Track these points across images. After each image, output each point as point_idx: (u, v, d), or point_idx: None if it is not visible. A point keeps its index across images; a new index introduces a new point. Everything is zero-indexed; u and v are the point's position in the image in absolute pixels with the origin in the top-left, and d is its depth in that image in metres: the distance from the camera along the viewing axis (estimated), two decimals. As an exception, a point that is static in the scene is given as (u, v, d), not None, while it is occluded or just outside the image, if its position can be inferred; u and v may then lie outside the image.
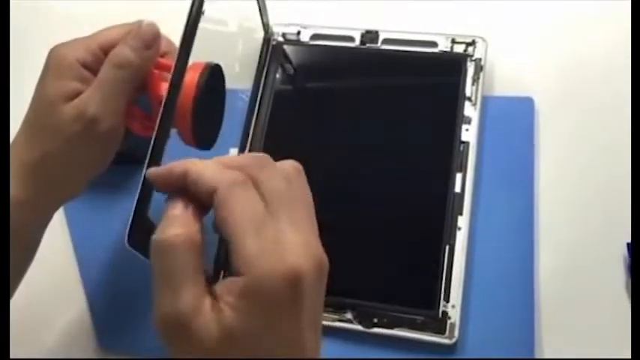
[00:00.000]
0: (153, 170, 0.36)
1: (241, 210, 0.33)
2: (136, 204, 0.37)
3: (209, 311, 0.33)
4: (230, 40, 0.59)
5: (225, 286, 0.33)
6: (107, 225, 0.57)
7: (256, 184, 0.34)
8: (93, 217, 0.58)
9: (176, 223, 0.34)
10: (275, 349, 0.33)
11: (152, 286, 0.34)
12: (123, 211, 0.56)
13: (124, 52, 0.44)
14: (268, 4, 0.58)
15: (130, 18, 0.47)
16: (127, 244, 0.36)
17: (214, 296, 0.33)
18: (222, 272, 0.52)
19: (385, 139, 0.58)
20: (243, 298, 0.32)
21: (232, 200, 0.33)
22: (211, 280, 0.34)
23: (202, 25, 0.43)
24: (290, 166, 0.36)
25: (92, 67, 0.44)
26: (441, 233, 0.52)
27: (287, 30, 0.62)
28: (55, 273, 0.56)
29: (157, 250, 0.34)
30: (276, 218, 0.34)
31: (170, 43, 0.47)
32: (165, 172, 0.36)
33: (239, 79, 0.58)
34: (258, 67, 0.60)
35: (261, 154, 0.36)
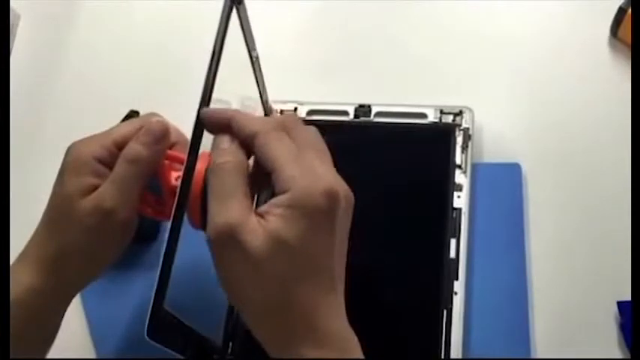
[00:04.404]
0: (205, 111, 0.43)
1: (280, 146, 0.40)
2: (153, 299, 0.39)
3: (255, 222, 0.38)
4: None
5: (269, 204, 0.39)
6: (121, 303, 0.58)
7: (288, 133, 0.41)
8: (107, 295, 0.59)
9: (225, 153, 0.41)
10: (313, 257, 0.38)
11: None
12: (136, 289, 0.59)
13: (136, 148, 0.47)
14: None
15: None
16: (147, 337, 0.38)
17: (258, 215, 0.39)
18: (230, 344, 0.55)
19: (380, 208, 0.60)
20: (288, 208, 0.38)
21: (272, 140, 0.40)
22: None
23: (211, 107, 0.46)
24: (313, 127, 0.43)
25: (107, 163, 0.47)
26: (438, 298, 0.55)
27: (284, 107, 0.64)
28: (71, 354, 0.57)
29: (211, 176, 0.40)
30: (308, 156, 0.40)
31: (179, 133, 0.50)
32: (215, 115, 0.43)
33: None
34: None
35: (291, 114, 0.42)
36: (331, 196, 0.39)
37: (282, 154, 0.39)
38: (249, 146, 0.41)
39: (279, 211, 0.38)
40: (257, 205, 0.41)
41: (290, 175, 0.38)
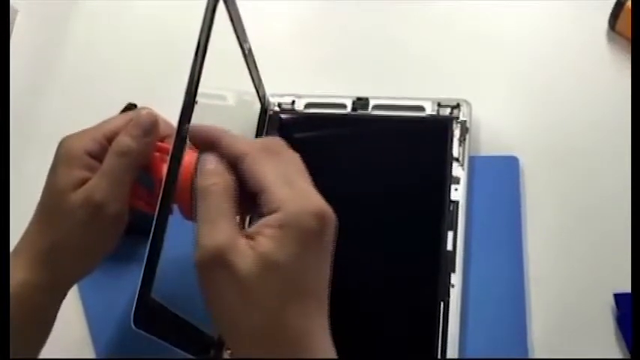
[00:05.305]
0: (192, 128, 0.43)
1: (269, 168, 0.40)
2: (140, 287, 0.39)
3: (244, 243, 0.37)
4: (230, 114, 0.62)
5: (258, 225, 0.38)
6: (120, 296, 0.58)
7: (275, 156, 0.41)
8: (105, 289, 0.60)
9: (213, 174, 0.40)
10: (303, 278, 0.38)
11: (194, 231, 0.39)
12: (132, 281, 0.59)
13: (125, 140, 0.47)
14: (265, 77, 0.62)
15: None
16: (133, 326, 0.38)
17: (247, 236, 0.38)
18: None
19: (378, 200, 0.60)
20: (280, 229, 0.37)
21: (261, 161, 0.40)
22: None
23: (203, 101, 0.46)
24: (296, 153, 0.43)
25: (98, 156, 0.47)
26: (435, 291, 0.54)
27: (282, 100, 0.65)
28: (68, 346, 0.58)
29: (199, 197, 0.40)
30: (296, 178, 0.40)
31: (170, 126, 0.50)
32: (201, 133, 0.42)
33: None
34: (256, 136, 0.63)
35: (276, 138, 0.43)
36: (322, 218, 0.38)
37: (270, 174, 0.39)
38: (235, 167, 0.41)
39: (270, 232, 0.37)
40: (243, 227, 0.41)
41: (280, 195, 0.38)
